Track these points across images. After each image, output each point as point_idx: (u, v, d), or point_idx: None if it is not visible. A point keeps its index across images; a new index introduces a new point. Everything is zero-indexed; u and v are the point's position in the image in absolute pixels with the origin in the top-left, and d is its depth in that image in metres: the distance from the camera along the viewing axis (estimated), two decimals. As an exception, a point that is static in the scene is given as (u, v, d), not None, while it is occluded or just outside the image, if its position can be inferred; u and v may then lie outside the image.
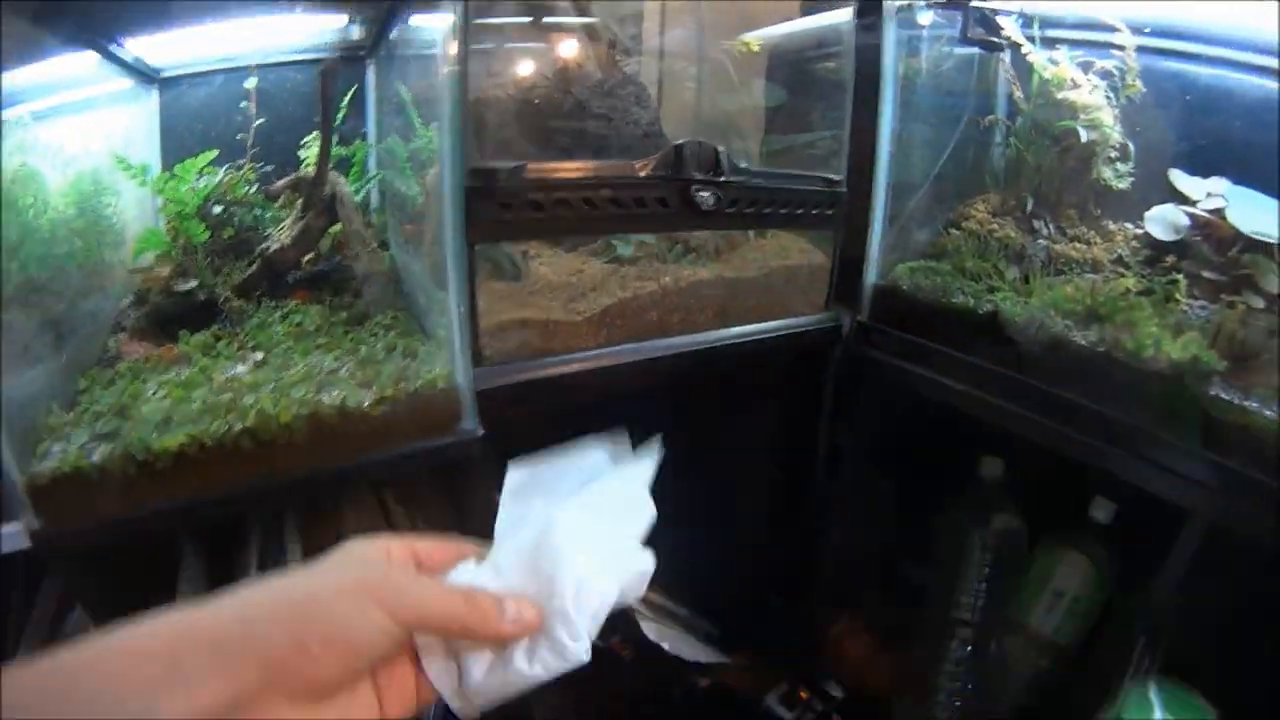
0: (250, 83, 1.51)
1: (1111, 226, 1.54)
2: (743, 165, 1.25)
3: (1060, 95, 1.53)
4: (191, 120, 1.58)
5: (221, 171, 1.47)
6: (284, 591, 0.48)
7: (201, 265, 1.37)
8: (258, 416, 0.96)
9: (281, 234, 1.37)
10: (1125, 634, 1.18)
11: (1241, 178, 1.38)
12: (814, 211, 1.41)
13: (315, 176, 1.32)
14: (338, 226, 1.41)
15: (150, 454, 0.90)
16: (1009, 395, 1.25)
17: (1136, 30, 1.47)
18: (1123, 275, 1.39)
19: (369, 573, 0.51)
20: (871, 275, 1.51)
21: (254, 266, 1.37)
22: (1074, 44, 1.56)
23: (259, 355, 1.16)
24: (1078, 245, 1.48)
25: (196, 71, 1.57)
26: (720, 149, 1.21)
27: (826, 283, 1.54)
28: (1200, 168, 1.43)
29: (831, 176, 1.44)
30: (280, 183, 1.46)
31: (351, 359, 1.11)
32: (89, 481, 0.88)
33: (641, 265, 1.37)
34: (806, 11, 1.64)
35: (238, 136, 1.51)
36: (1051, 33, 1.58)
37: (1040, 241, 1.46)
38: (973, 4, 1.52)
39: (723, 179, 1.22)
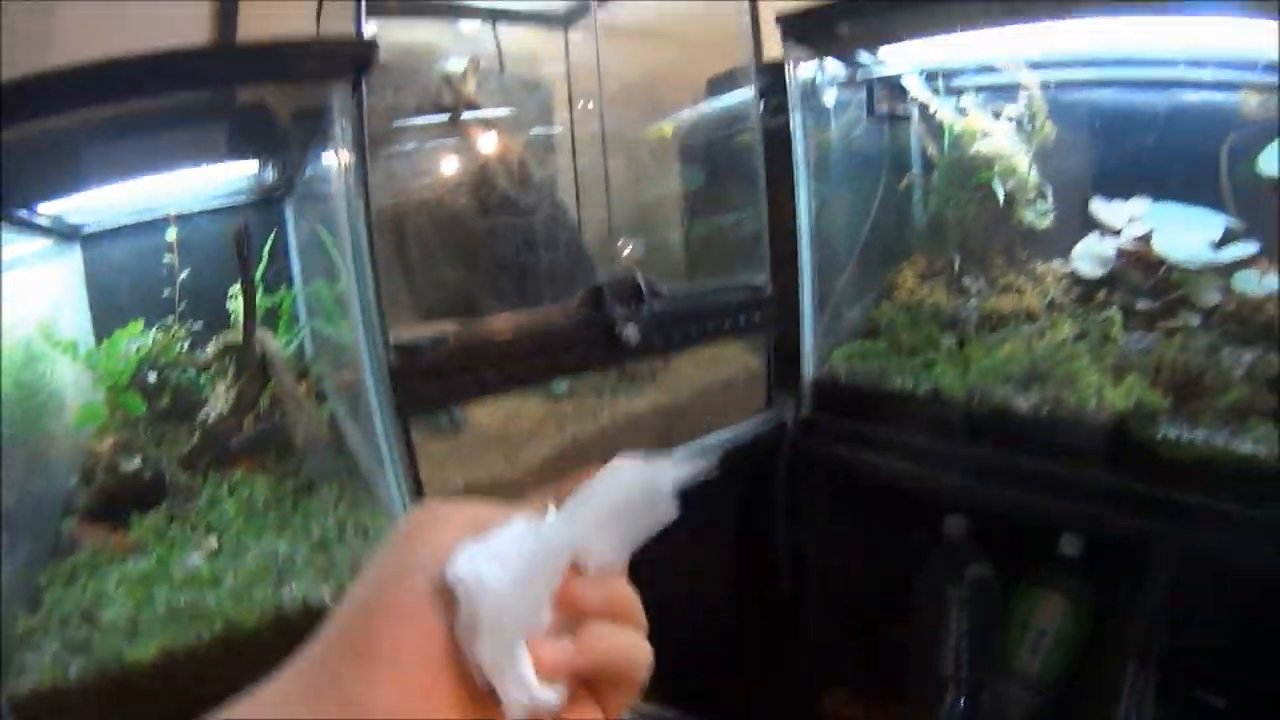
0: (170, 234, 1.48)
1: (1040, 268, 1.58)
2: (662, 290, 1.30)
3: (973, 149, 1.54)
4: (117, 275, 1.55)
5: (152, 334, 1.44)
6: None
7: (144, 439, 1.36)
8: (225, 625, 0.97)
9: (218, 402, 1.36)
10: (1116, 663, 1.21)
11: (1160, 192, 1.44)
12: (740, 320, 1.46)
13: (243, 341, 1.28)
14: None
15: (124, 667, 0.91)
16: (960, 470, 1.28)
17: (1037, 66, 1.50)
18: (1057, 321, 1.41)
19: None
20: (809, 368, 1.54)
21: (196, 438, 1.34)
22: (981, 90, 1.59)
23: (213, 542, 1.16)
24: (1009, 296, 1.50)
25: (116, 226, 1.53)
26: (640, 276, 1.25)
27: (764, 384, 1.55)
28: (1120, 188, 1.49)
29: (754, 282, 1.48)
30: (209, 351, 1.44)
31: (305, 542, 1.12)
32: (69, 698, 0.89)
33: (578, 400, 1.39)
34: (713, 92, 1.64)
35: (164, 293, 1.48)
36: (958, 82, 1.61)
37: (971, 303, 1.48)
38: (875, 76, 1.54)
39: (644, 311, 1.26)
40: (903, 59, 1.58)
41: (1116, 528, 1.13)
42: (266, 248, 1.50)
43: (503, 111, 1.58)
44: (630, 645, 0.37)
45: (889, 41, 1.53)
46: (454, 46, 1.58)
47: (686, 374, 1.51)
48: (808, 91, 1.49)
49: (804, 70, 1.49)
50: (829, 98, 1.53)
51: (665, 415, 1.39)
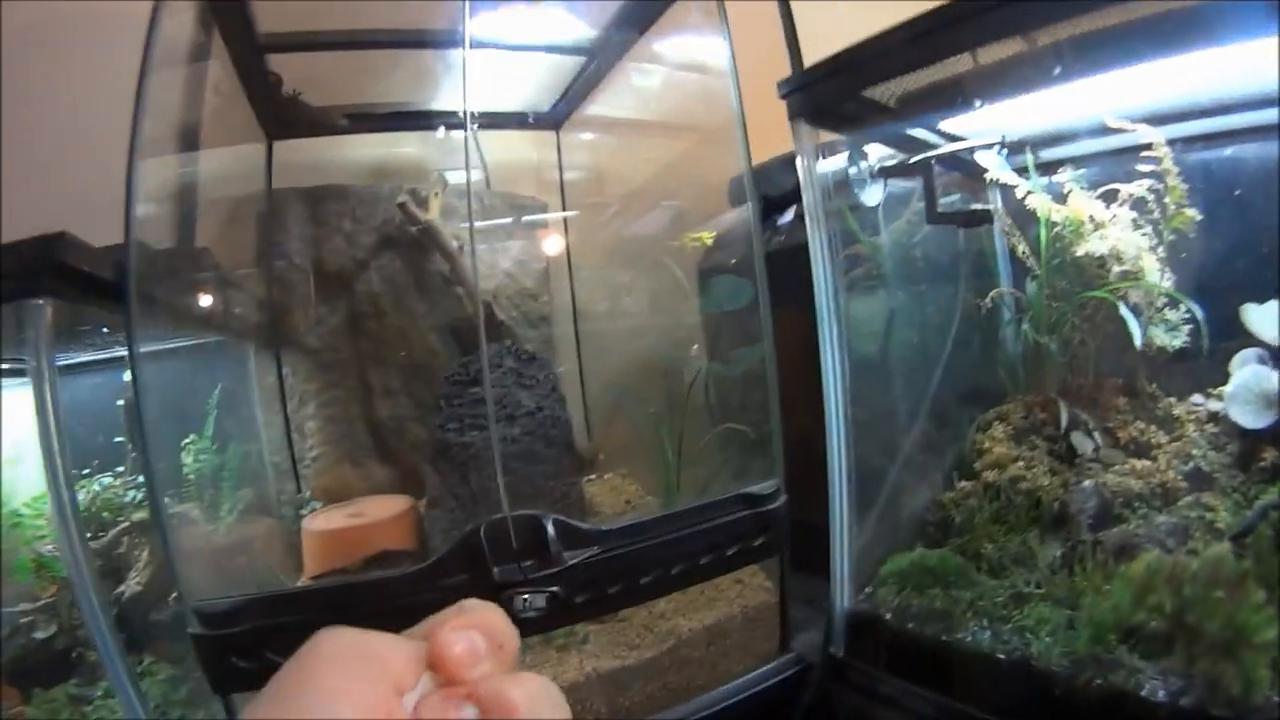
0: (128, 375, 1.34)
1: (1175, 408, 1.12)
2: (585, 532, 0.88)
3: (1081, 249, 1.13)
4: (77, 416, 1.43)
5: (93, 486, 1.30)
6: None
7: (64, 609, 1.24)
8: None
9: (133, 578, 1.19)
10: None
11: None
12: (732, 552, 1.01)
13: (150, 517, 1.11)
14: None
15: None
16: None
17: (1163, 120, 1.06)
18: (1212, 509, 0.95)
19: None
20: (843, 597, 1.10)
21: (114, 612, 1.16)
22: (1084, 162, 1.18)
23: None
24: (1137, 463, 1.05)
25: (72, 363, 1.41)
26: (549, 519, 0.86)
27: (777, 624, 1.15)
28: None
29: (758, 490, 1.03)
30: (112, 533, 1.26)
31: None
32: None
33: (528, 658, 1.05)
34: (735, 193, 1.30)
35: (116, 440, 1.34)
36: (1052, 153, 1.21)
37: (1086, 484, 1.04)
38: (937, 152, 1.16)
39: (552, 569, 0.85)
40: (972, 124, 1.19)
41: None
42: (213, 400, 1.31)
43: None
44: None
45: (946, 108, 1.13)
46: (437, 158, 1.39)
47: (660, 624, 1.14)
48: (835, 189, 1.11)
49: (830, 162, 1.12)
50: (871, 196, 1.15)
51: (631, 680, 1.04)
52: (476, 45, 1.21)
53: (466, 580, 0.85)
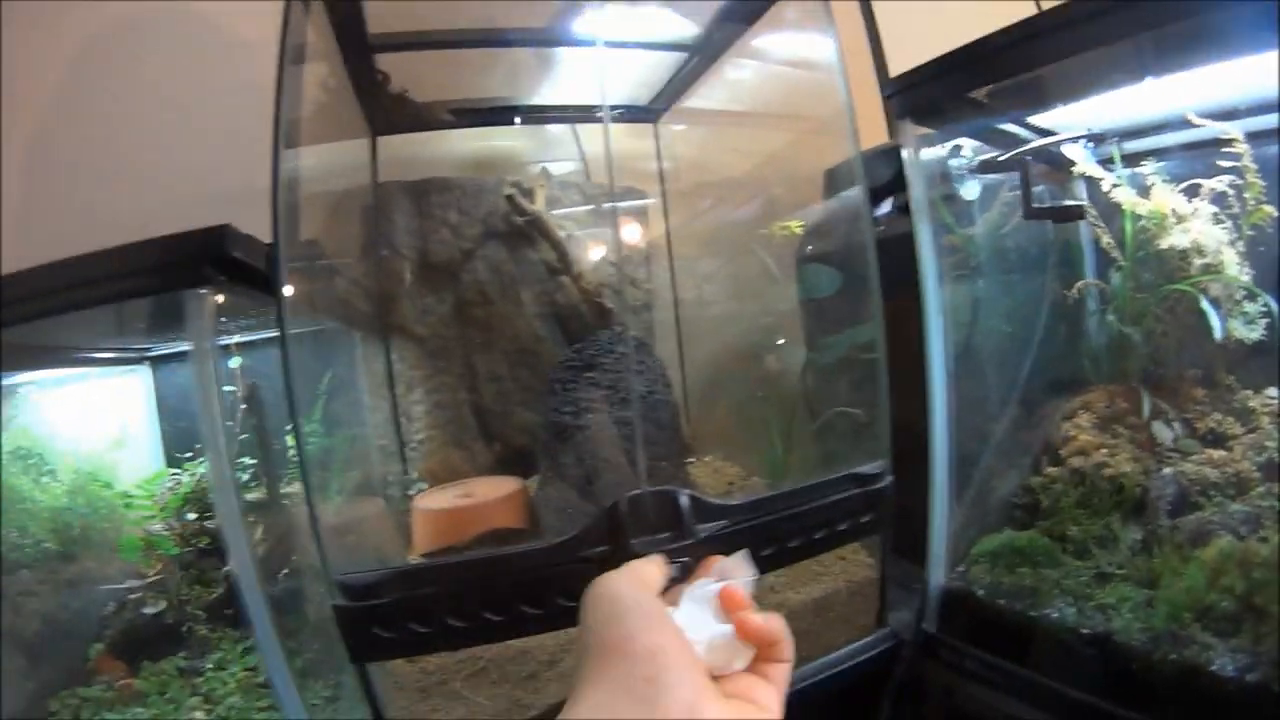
0: (235, 362, 1.38)
1: (1251, 400, 1.17)
2: (715, 506, 0.93)
3: (1165, 243, 1.17)
4: (186, 400, 1.49)
5: (199, 469, 1.34)
6: None
7: (177, 580, 1.30)
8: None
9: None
10: None
11: None
12: (843, 528, 1.06)
13: (268, 497, 1.16)
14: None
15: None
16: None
17: (1241, 114, 1.09)
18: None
19: None
20: (937, 575, 1.15)
21: (221, 590, 1.22)
22: (1167, 155, 1.20)
23: (199, 715, 1.14)
24: (1214, 453, 1.10)
25: (183, 350, 1.46)
26: (684, 495, 0.90)
27: (876, 598, 1.19)
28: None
29: (866, 470, 1.07)
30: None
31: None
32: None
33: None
34: (832, 186, 1.34)
35: (226, 423, 1.37)
36: (1135, 145, 1.24)
37: (1166, 471, 1.09)
38: (1030, 149, 1.19)
39: (687, 539, 0.89)
40: (1058, 118, 1.22)
41: None
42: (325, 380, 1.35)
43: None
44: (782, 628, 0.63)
45: (1042, 104, 1.17)
46: (536, 151, 1.43)
47: (771, 589, 1.20)
48: (937, 182, 1.16)
49: (931, 153, 1.16)
50: (970, 190, 1.19)
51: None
52: (581, 43, 1.25)
53: (607, 552, 0.89)
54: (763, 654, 0.62)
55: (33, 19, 1.46)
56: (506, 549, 1.01)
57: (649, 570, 0.70)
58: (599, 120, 1.32)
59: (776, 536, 0.98)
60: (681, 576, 0.82)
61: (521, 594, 0.91)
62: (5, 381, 1.29)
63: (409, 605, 0.91)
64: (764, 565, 1.02)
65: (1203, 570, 0.96)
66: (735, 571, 0.73)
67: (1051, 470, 1.20)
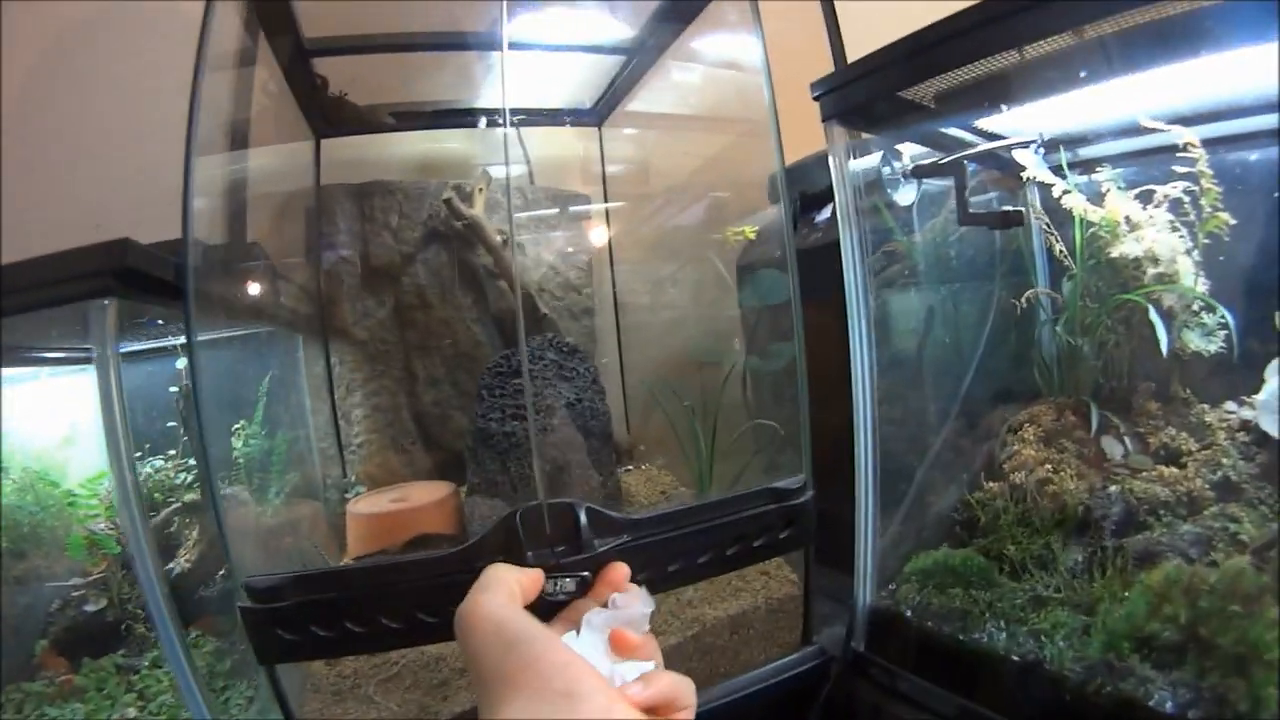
0: (180, 364, 1.39)
1: (1207, 415, 1.10)
2: (616, 520, 0.91)
3: (1116, 251, 1.12)
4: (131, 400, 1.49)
5: (145, 469, 1.35)
6: None
7: (115, 584, 1.31)
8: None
9: (183, 555, 1.24)
10: None
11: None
12: (759, 544, 1.02)
13: (202, 497, 1.16)
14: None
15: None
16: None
17: (1199, 120, 1.05)
18: (1236, 518, 0.95)
19: None
20: (865, 593, 1.11)
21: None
22: (1122, 161, 1.16)
23: (131, 712, 1.16)
24: (1165, 470, 1.05)
25: (128, 351, 1.46)
26: (583, 507, 0.89)
27: (800, 615, 1.16)
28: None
29: (784, 485, 1.04)
30: (164, 512, 1.31)
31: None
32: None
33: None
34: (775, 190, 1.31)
35: (168, 424, 1.38)
36: (1090, 151, 1.20)
37: (1112, 489, 1.04)
38: (970, 152, 1.15)
39: (583, 554, 0.88)
40: (1008, 123, 1.18)
41: None
42: (263, 383, 1.35)
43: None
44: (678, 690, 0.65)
45: (982, 107, 1.13)
46: (481, 155, 1.42)
47: (688, 604, 1.17)
48: (870, 188, 1.12)
49: (862, 161, 1.12)
50: (904, 195, 1.15)
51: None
52: (515, 46, 1.23)
53: (501, 562, 0.88)
54: (662, 712, 0.62)
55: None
56: (403, 557, 1.00)
57: (510, 580, 0.68)
58: (541, 123, 1.30)
59: (686, 551, 0.96)
60: (579, 591, 0.81)
61: (418, 602, 0.90)
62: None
63: (310, 609, 0.91)
64: (672, 580, 1.01)
65: (1145, 596, 0.91)
66: (631, 603, 0.73)
67: (992, 485, 1.15)
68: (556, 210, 1.46)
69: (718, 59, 1.29)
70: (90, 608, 1.28)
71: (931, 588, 1.08)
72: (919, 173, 1.15)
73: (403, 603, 0.90)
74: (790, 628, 1.16)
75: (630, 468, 1.48)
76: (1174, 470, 1.06)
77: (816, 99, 1.07)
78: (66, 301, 0.96)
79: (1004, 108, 1.14)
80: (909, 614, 1.07)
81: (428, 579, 0.91)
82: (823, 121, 1.07)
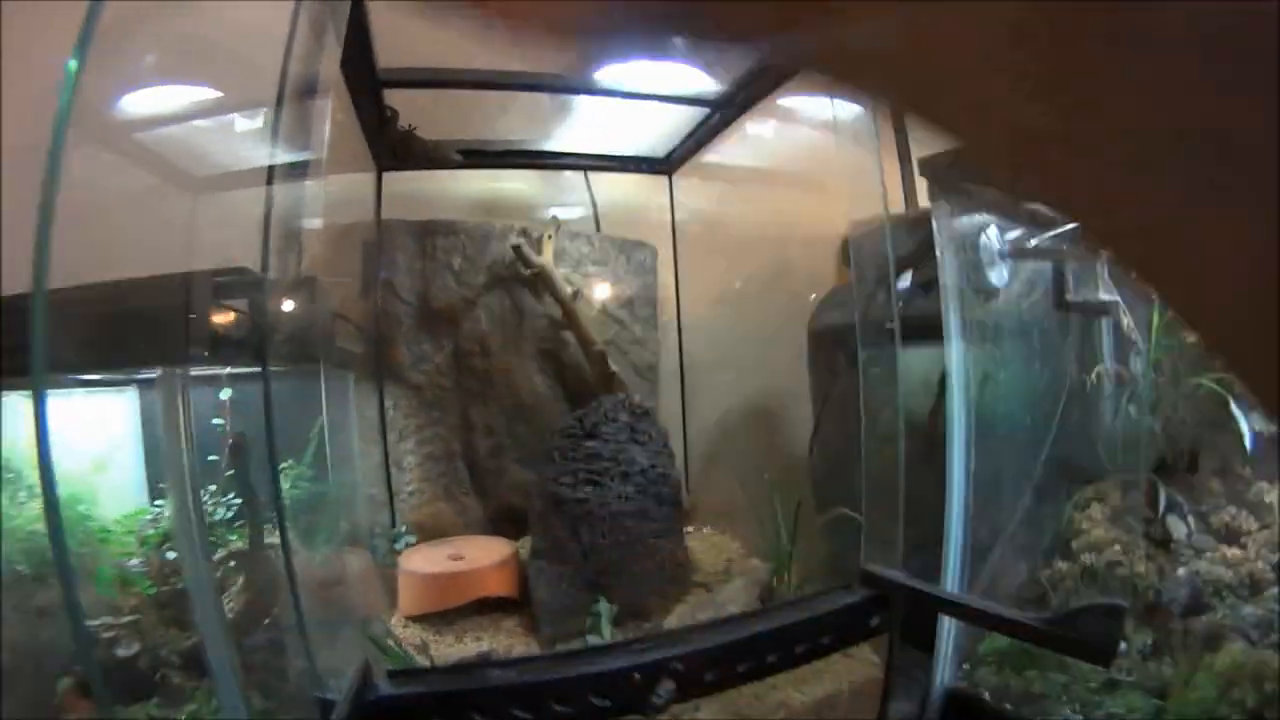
0: (224, 394, 1.29)
1: (1268, 494, 1.10)
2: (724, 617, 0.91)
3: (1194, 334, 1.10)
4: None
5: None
6: None
7: (154, 621, 1.22)
8: None
9: (228, 603, 1.14)
10: None
11: None
12: (846, 635, 0.98)
13: (250, 549, 1.06)
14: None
15: None
16: None
17: None
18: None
19: None
20: (944, 676, 1.07)
21: (197, 636, 1.13)
22: None
23: None
24: (1228, 551, 1.04)
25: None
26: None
27: (879, 697, 1.12)
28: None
29: (877, 570, 0.98)
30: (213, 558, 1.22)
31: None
32: None
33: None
34: (855, 249, 1.25)
35: (209, 458, 1.29)
36: None
37: (1180, 571, 1.02)
38: (1060, 230, 1.11)
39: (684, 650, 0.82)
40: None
41: None
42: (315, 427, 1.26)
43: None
44: None
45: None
46: (547, 196, 1.34)
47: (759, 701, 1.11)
48: (967, 262, 1.07)
49: (961, 228, 1.07)
50: (998, 275, 1.10)
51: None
52: (598, 93, 1.16)
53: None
54: None
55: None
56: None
57: None
58: (611, 169, 1.24)
59: (780, 644, 0.91)
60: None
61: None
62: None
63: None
64: (769, 671, 0.95)
65: (1214, 680, 0.90)
66: None
67: (1061, 565, 1.13)
68: (625, 259, 1.39)
69: (804, 118, 1.23)
70: (123, 651, 1.18)
71: (1008, 669, 1.05)
72: (1016, 253, 1.10)
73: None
74: (870, 709, 1.12)
75: (690, 529, 1.41)
76: (1236, 551, 1.06)
77: (923, 174, 1.02)
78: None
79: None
80: (986, 696, 1.04)
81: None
82: (930, 198, 1.02)
